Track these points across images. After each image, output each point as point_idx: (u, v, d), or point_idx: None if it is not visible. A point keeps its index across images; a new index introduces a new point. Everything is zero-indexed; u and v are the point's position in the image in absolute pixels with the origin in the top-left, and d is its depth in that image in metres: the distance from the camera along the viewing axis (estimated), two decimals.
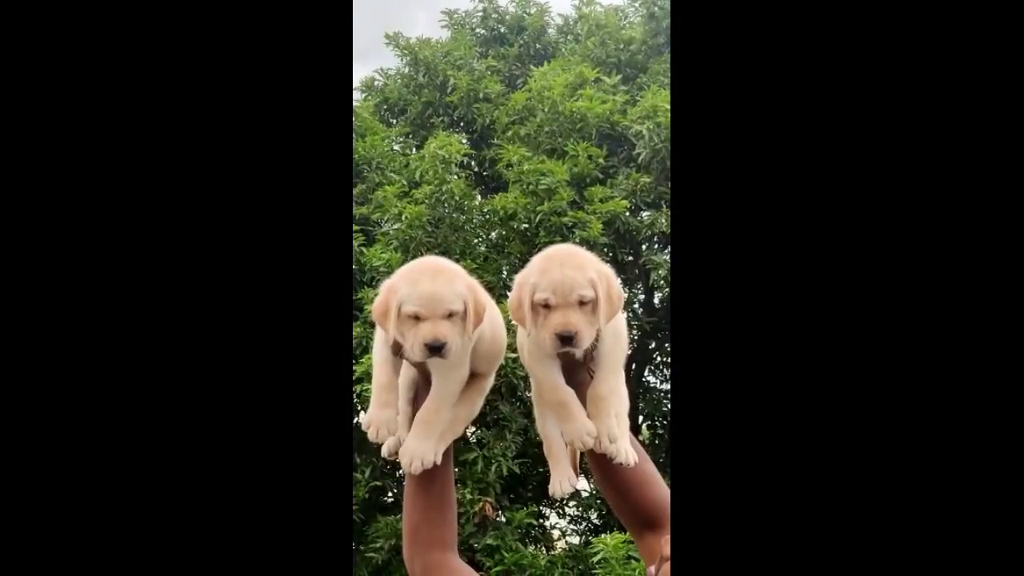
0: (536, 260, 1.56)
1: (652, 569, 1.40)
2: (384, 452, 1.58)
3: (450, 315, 1.47)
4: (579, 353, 1.55)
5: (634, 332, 7.37)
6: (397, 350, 1.56)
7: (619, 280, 1.58)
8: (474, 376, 1.63)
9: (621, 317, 1.63)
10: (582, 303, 1.49)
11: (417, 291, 1.47)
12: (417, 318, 1.47)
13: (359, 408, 6.73)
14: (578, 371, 1.59)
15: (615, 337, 1.60)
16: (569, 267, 1.51)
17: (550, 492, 1.72)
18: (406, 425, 1.58)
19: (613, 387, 1.58)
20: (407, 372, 1.62)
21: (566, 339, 1.48)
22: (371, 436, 1.53)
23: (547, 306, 1.49)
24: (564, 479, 1.71)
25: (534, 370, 1.60)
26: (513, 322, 1.58)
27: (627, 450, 1.57)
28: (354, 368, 5.74)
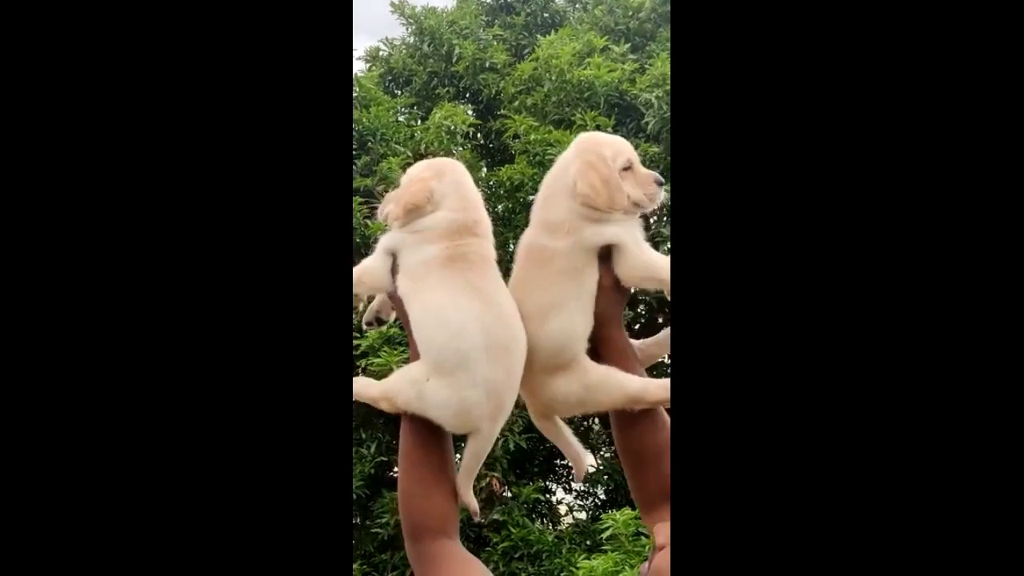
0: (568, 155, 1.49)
1: (644, 567, 1.32)
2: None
3: None
4: None
5: (640, 308, 7.30)
6: None
7: None
8: None
9: None
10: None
11: None
12: None
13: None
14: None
15: None
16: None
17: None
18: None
19: None
20: None
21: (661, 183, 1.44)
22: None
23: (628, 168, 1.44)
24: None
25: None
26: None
27: None
28: (360, 343, 5.70)
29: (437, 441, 1.37)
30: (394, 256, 1.42)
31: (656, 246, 1.47)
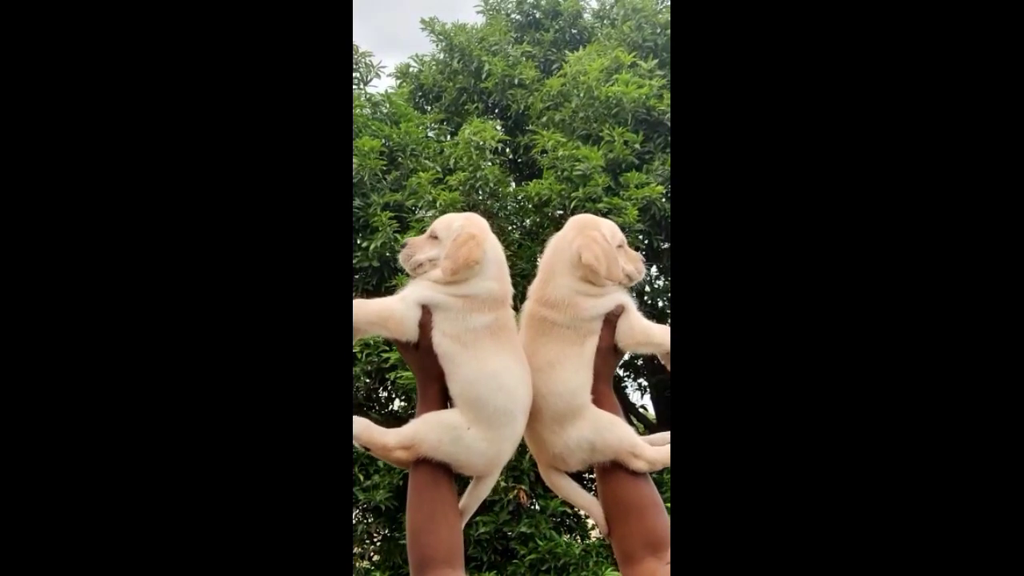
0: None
1: None
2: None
3: None
4: None
5: (667, 322, 7.28)
6: None
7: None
8: None
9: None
10: None
11: None
12: None
13: (394, 396, 6.76)
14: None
15: None
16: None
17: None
18: None
19: None
20: None
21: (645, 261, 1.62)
22: None
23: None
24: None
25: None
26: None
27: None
28: (388, 356, 5.76)
29: (446, 482, 1.47)
30: (424, 309, 1.47)
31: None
